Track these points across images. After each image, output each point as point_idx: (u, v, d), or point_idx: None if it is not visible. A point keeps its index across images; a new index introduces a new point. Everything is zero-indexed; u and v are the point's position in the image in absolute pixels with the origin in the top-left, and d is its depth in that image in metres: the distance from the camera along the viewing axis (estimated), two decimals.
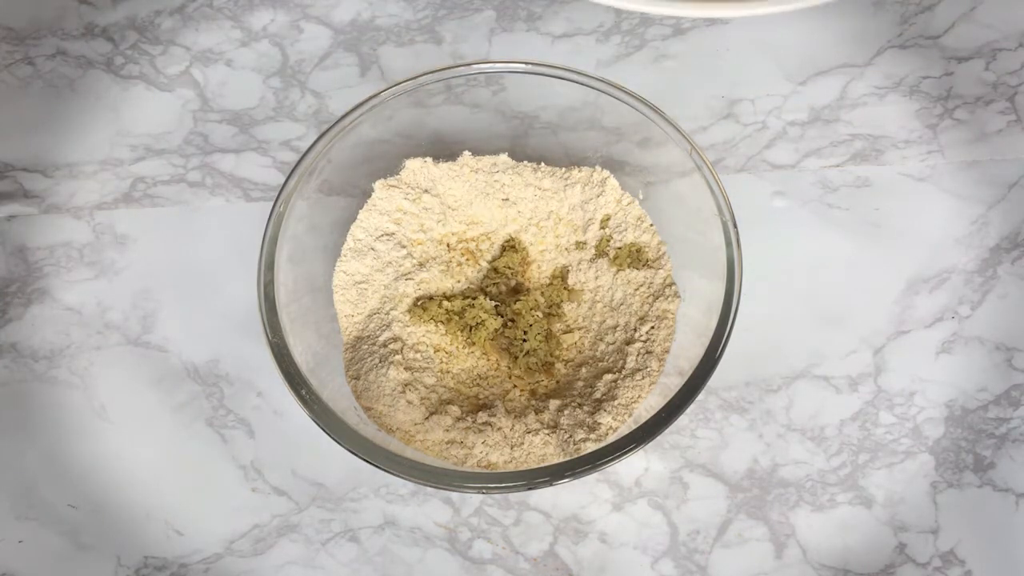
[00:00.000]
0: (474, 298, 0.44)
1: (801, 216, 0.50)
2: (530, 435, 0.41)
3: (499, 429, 0.41)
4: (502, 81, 0.47)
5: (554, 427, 0.41)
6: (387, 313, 0.44)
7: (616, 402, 0.42)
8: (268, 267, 0.41)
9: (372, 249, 0.45)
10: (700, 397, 0.43)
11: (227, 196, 0.51)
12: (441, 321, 0.44)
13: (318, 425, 0.39)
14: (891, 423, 0.46)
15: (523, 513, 0.45)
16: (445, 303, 0.44)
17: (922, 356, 0.47)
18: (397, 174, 0.46)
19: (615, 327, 0.44)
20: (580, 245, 0.46)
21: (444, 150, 0.47)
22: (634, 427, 0.39)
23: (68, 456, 0.46)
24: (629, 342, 0.43)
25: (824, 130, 0.52)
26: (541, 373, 0.44)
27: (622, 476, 0.45)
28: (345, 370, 0.43)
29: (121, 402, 0.47)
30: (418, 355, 0.43)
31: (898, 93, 0.52)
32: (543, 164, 0.47)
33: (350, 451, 0.38)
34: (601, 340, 0.44)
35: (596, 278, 0.45)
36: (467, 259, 0.46)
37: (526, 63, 0.44)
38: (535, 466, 0.41)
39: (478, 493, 0.39)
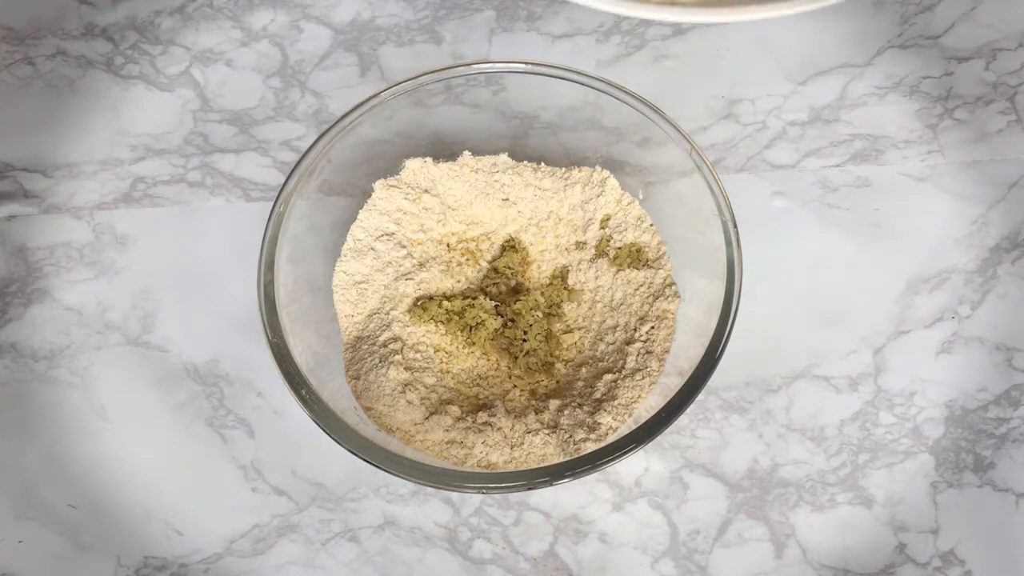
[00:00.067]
0: (474, 298, 0.44)
1: (801, 216, 0.50)
2: (530, 435, 0.41)
3: (499, 429, 0.41)
4: (502, 81, 0.47)
5: (554, 427, 0.41)
6: (387, 313, 0.44)
7: (616, 402, 0.42)
8: (268, 267, 0.41)
9: (372, 249, 0.45)
10: (700, 397, 0.43)
11: (227, 196, 0.51)
12: (441, 321, 0.44)
13: (318, 425, 0.39)
14: (891, 423, 0.46)
15: (523, 513, 0.45)
16: (445, 303, 0.44)
17: (922, 356, 0.47)
18: (397, 174, 0.46)
19: (615, 327, 0.44)
20: (580, 245, 0.46)
21: (444, 150, 0.47)
22: (634, 427, 0.39)
23: (68, 456, 0.46)
24: (629, 342, 0.43)
25: (824, 130, 0.52)
26: (541, 373, 0.44)
27: (622, 476, 0.45)
28: (345, 370, 0.43)
29: (121, 402, 0.47)
30: (418, 355, 0.43)
31: (898, 93, 0.52)
32: (543, 164, 0.47)
33: (350, 451, 0.38)
34: (601, 340, 0.44)
35: (596, 278, 0.45)
36: (467, 259, 0.46)
37: (526, 63, 0.44)
38: (535, 466, 0.41)
39: (478, 493, 0.39)
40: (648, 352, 0.43)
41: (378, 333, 0.43)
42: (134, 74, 0.54)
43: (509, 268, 0.46)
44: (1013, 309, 0.48)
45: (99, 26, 0.55)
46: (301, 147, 0.52)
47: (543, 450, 0.41)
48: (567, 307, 0.45)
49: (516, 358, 0.44)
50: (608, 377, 0.43)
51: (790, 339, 0.47)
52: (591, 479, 0.45)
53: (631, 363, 0.43)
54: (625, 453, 0.38)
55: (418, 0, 0.55)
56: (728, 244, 0.41)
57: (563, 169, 0.47)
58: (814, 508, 0.44)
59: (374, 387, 0.42)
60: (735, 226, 0.41)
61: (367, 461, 0.38)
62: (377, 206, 0.46)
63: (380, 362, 0.42)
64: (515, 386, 0.44)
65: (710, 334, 0.40)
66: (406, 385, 0.42)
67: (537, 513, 0.45)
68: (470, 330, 0.44)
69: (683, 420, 0.45)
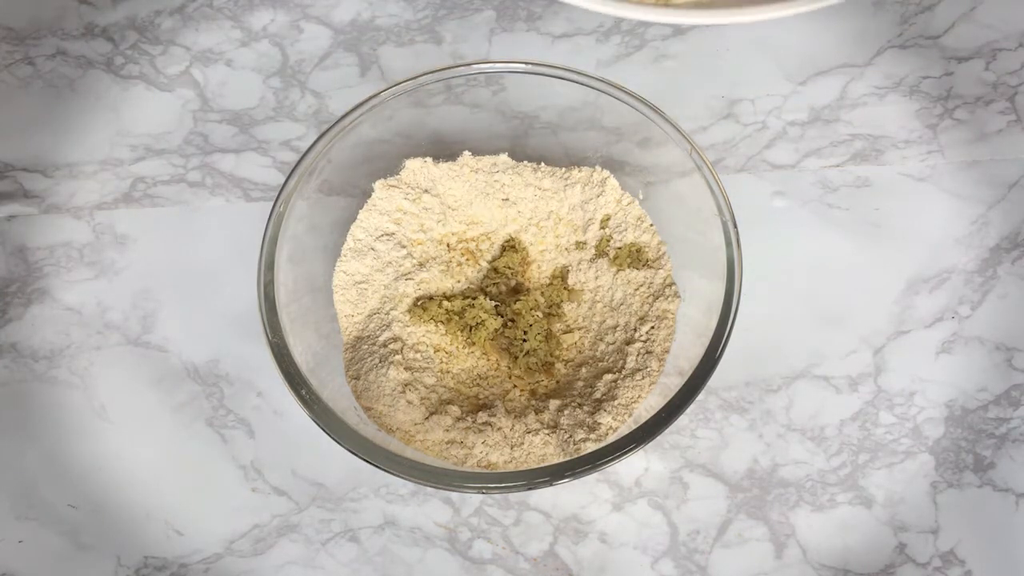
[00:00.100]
0: (474, 298, 0.44)
1: (801, 216, 0.50)
2: (530, 435, 0.41)
3: (499, 429, 0.41)
4: (502, 81, 0.47)
5: (554, 427, 0.41)
6: (387, 313, 0.44)
7: (616, 402, 0.42)
8: (268, 267, 0.41)
9: (372, 249, 0.45)
10: (700, 397, 0.43)
11: (227, 196, 0.51)
12: (441, 321, 0.44)
13: (318, 425, 0.39)
14: (891, 423, 0.46)
15: (523, 513, 0.45)
16: (445, 303, 0.44)
17: (922, 356, 0.47)
18: (397, 174, 0.46)
19: (615, 327, 0.44)
20: (580, 245, 0.46)
21: (444, 150, 0.47)
22: (634, 427, 0.39)
23: (68, 456, 0.46)
24: (629, 342, 0.43)
25: (824, 130, 0.52)
26: (541, 373, 0.44)
27: (622, 476, 0.45)
28: (345, 370, 0.43)
29: (121, 402, 0.47)
30: (418, 355, 0.43)
31: (898, 93, 0.52)
32: (543, 164, 0.47)
33: (350, 451, 0.38)
34: (601, 340, 0.44)
35: (596, 278, 0.45)
36: (467, 259, 0.46)
37: (526, 63, 0.44)
38: (535, 466, 0.41)
39: (478, 493, 0.39)
40: (648, 352, 0.43)
41: (378, 333, 0.43)
42: (134, 74, 0.54)
43: (509, 268, 0.46)
44: (1013, 309, 0.48)
45: (99, 26, 0.55)
46: (301, 147, 0.52)
47: (543, 450, 0.41)
48: (567, 307, 0.45)
49: (516, 358, 0.44)
50: (608, 377, 0.43)
51: (790, 339, 0.47)
52: (591, 479, 0.45)
53: (631, 363, 0.43)
54: (625, 453, 0.38)
55: (418, 0, 0.55)
56: (728, 244, 0.41)
57: (563, 169, 0.47)
58: (814, 508, 0.44)
59: (374, 387, 0.42)
60: (735, 226, 0.41)
61: (367, 461, 0.38)
62: (377, 206, 0.46)
63: (380, 362, 0.42)
64: (515, 386, 0.44)
65: (710, 334, 0.40)
66: (406, 385, 0.42)
67: (537, 513, 0.45)
68: (470, 330, 0.44)
69: (683, 420, 0.45)
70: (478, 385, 0.44)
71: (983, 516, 0.44)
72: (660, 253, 0.45)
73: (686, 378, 0.39)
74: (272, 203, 0.42)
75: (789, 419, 0.46)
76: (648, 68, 0.53)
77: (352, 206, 0.46)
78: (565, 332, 0.45)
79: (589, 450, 0.39)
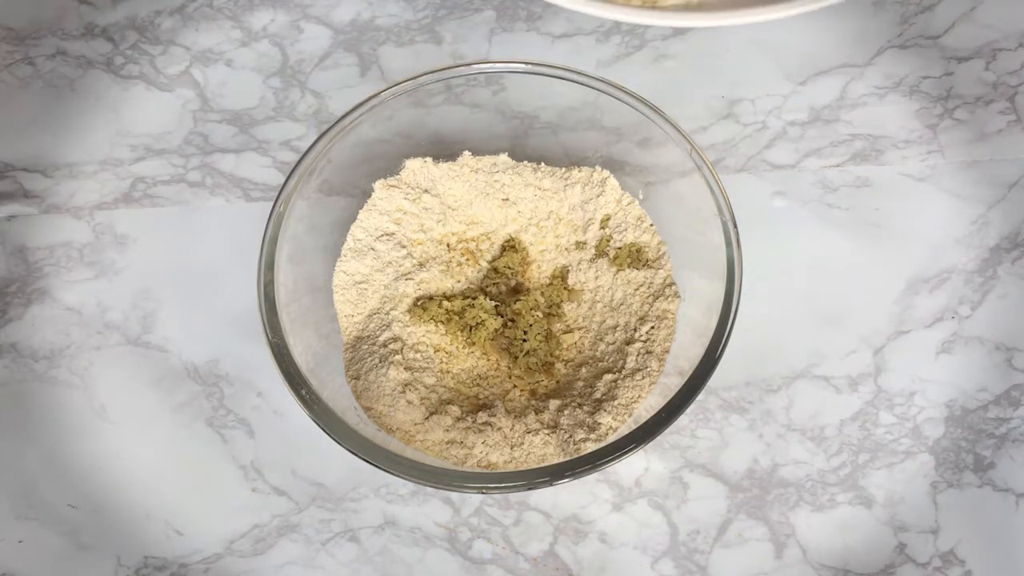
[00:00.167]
0: (474, 298, 0.44)
1: (801, 216, 0.50)
2: (530, 435, 0.41)
3: (499, 429, 0.41)
4: (502, 81, 0.47)
5: (554, 427, 0.41)
6: (387, 313, 0.44)
7: (616, 402, 0.42)
8: (268, 267, 0.41)
9: (372, 249, 0.45)
10: (700, 397, 0.43)
11: (227, 196, 0.51)
12: (441, 321, 0.44)
13: (318, 425, 0.39)
14: (891, 423, 0.46)
15: (523, 513, 0.45)
16: (445, 303, 0.44)
17: (922, 356, 0.47)
18: (397, 174, 0.46)
19: (615, 327, 0.44)
20: (580, 245, 0.46)
21: (444, 150, 0.47)
22: (634, 427, 0.39)
23: (68, 456, 0.46)
24: (629, 342, 0.43)
25: (824, 130, 0.52)
26: (541, 373, 0.44)
27: (622, 476, 0.45)
28: (345, 370, 0.43)
29: (121, 402, 0.47)
30: (418, 355, 0.43)
31: (898, 93, 0.52)
32: (543, 164, 0.47)
33: (350, 451, 0.38)
34: (601, 340, 0.44)
35: (596, 278, 0.45)
36: (467, 259, 0.46)
37: (526, 63, 0.44)
38: (535, 466, 0.41)
39: (478, 493, 0.39)
40: (648, 352, 0.43)
41: (378, 333, 0.43)
42: (134, 74, 0.54)
43: (509, 268, 0.46)
44: (1013, 309, 0.48)
45: (99, 26, 0.55)
46: (301, 147, 0.52)
47: (543, 450, 0.41)
48: (567, 307, 0.45)
49: (516, 358, 0.44)
50: (608, 377, 0.43)
51: (790, 339, 0.47)
52: (591, 479, 0.45)
53: (631, 363, 0.43)
54: (625, 453, 0.38)
55: (418, 0, 0.55)
56: (728, 244, 0.41)
57: (563, 169, 0.47)
58: (814, 508, 0.44)
59: (374, 387, 0.42)
60: (735, 226, 0.41)
61: (367, 461, 0.38)
62: (377, 206, 0.46)
63: (380, 362, 0.42)
64: (515, 386, 0.44)
65: (710, 334, 0.40)
66: (406, 385, 0.42)
67: (537, 513, 0.45)
68: (470, 330, 0.44)
69: (683, 420, 0.45)
70: (478, 385, 0.44)
71: (983, 516, 0.44)
72: (660, 253, 0.45)
73: (686, 378, 0.39)
74: (272, 203, 0.42)
75: (789, 419, 0.46)
76: (648, 68, 0.53)
77: (352, 206, 0.46)
78: (565, 332, 0.45)
79: (589, 450, 0.39)
